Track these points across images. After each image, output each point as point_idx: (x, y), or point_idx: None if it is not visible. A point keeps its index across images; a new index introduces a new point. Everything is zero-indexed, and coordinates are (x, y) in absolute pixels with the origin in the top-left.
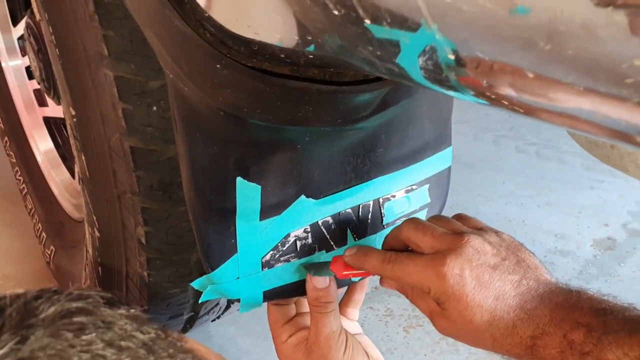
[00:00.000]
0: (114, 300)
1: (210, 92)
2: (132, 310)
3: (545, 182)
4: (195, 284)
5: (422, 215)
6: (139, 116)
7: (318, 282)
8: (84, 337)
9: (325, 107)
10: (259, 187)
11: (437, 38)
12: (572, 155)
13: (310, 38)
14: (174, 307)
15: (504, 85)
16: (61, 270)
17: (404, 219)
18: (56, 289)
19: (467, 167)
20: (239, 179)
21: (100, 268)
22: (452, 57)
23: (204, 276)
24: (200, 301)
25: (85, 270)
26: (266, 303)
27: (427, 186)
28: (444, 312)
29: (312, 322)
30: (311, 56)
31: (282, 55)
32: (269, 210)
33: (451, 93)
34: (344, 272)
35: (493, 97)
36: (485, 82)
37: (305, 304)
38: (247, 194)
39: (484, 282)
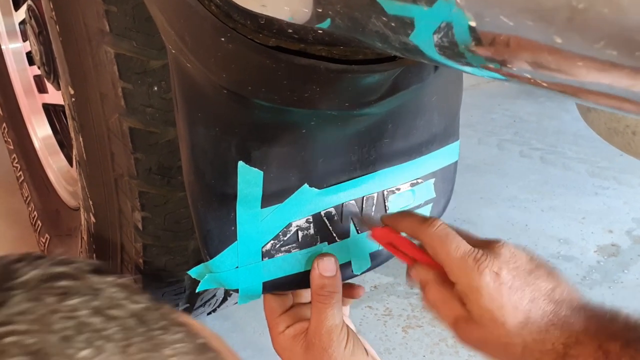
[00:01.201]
0: (103, 268)
1: (213, 68)
2: (123, 279)
3: (549, 187)
4: (193, 272)
5: (427, 211)
6: (139, 96)
7: (325, 269)
8: (68, 302)
9: (333, 88)
10: (261, 172)
11: (454, 12)
12: (577, 161)
13: (323, 12)
14: (169, 298)
15: (520, 60)
16: None
17: None
18: (40, 254)
19: (470, 170)
20: (240, 163)
21: (94, 255)
22: (467, 32)
23: (202, 264)
24: (197, 290)
25: (81, 257)
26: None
27: (432, 180)
28: (471, 316)
29: (313, 313)
30: (321, 32)
31: (291, 31)
32: (270, 197)
33: (467, 69)
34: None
35: (510, 72)
36: (502, 57)
37: (303, 295)
38: (249, 180)
39: (519, 285)
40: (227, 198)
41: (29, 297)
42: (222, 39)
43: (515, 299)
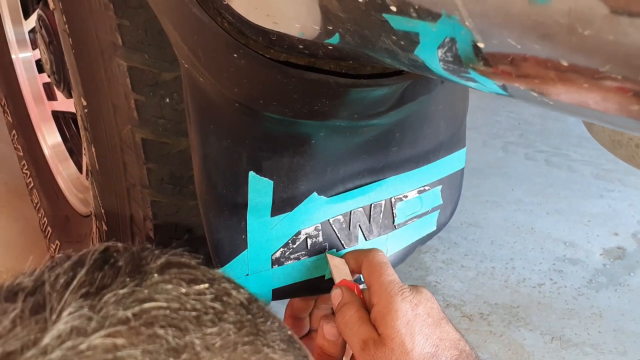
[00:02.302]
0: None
1: (226, 82)
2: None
3: (554, 189)
4: None
5: (434, 218)
6: (151, 108)
7: (328, 333)
8: (195, 287)
9: (342, 101)
10: (272, 182)
11: (457, 29)
12: (582, 163)
13: (332, 28)
14: None
15: (525, 79)
16: None
17: (416, 220)
18: (155, 248)
19: (475, 173)
20: (251, 174)
21: None
22: (471, 48)
23: None
24: None
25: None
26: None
27: (439, 187)
28: (381, 339)
29: None
30: (330, 48)
31: (301, 47)
32: (280, 206)
33: (471, 84)
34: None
35: (514, 90)
36: (506, 75)
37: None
38: (259, 189)
39: (432, 322)
40: (238, 207)
41: (163, 279)
42: (235, 54)
43: (427, 331)
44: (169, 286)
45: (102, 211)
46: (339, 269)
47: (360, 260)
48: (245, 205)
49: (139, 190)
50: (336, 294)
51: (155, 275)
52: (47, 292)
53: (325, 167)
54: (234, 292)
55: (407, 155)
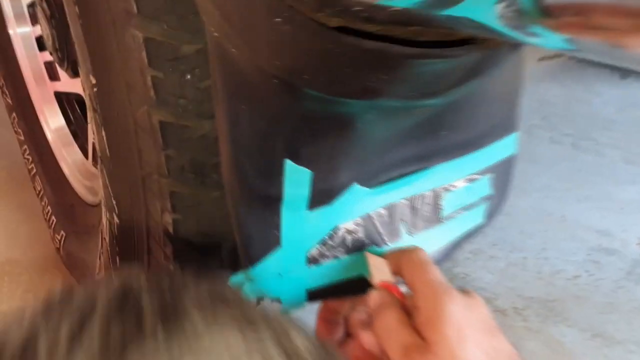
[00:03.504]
0: None
1: (264, 53)
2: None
3: (583, 175)
4: (232, 281)
5: (482, 209)
6: (170, 86)
7: (367, 342)
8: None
9: (402, 76)
10: (310, 172)
11: None
12: (611, 147)
13: None
14: None
15: (593, 27)
16: (72, 257)
17: (463, 212)
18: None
19: None
20: (288, 162)
21: (118, 258)
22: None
23: (242, 273)
24: None
25: (99, 259)
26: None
27: (489, 175)
28: (427, 345)
29: None
30: (393, 10)
31: (358, 9)
32: (318, 199)
33: (533, 41)
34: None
35: (581, 41)
36: (571, 25)
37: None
38: (296, 180)
39: (484, 329)
40: (271, 200)
41: (208, 326)
42: (278, 19)
43: (480, 339)
44: (218, 338)
45: (114, 202)
46: (378, 269)
47: (400, 260)
48: (279, 198)
49: (156, 180)
50: (374, 296)
51: (196, 318)
52: (42, 351)
53: (369, 154)
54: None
55: (458, 139)
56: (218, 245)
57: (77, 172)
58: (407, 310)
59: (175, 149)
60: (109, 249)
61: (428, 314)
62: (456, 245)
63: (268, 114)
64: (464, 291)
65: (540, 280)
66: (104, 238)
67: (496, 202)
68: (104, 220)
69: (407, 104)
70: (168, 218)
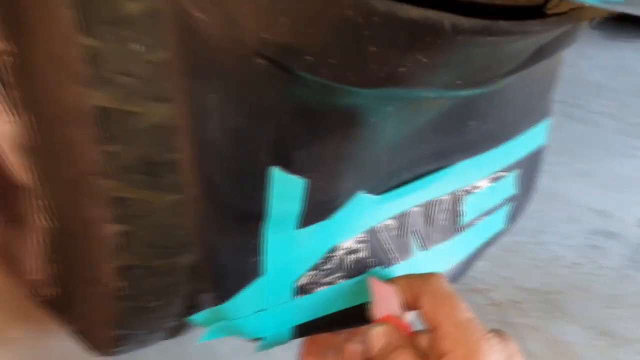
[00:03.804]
0: None
1: (247, 22)
2: None
3: (577, 147)
4: (197, 319)
5: (505, 212)
6: (110, 58)
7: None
8: None
9: (452, 58)
10: (304, 181)
11: None
12: (604, 116)
13: None
14: (155, 322)
15: None
16: (8, 249)
17: (484, 217)
18: None
19: None
20: (275, 170)
21: (55, 266)
22: None
23: (210, 309)
24: (199, 342)
25: (35, 261)
26: None
27: (516, 172)
28: None
29: None
30: None
31: None
32: (313, 214)
33: None
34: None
35: None
36: None
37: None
38: (285, 191)
39: None
40: (250, 219)
41: None
42: None
43: None
44: None
45: (48, 204)
46: (384, 299)
47: (419, 289)
48: (261, 215)
49: (94, 182)
50: (379, 333)
51: None
52: None
53: (380, 155)
54: None
55: (486, 131)
56: (177, 263)
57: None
58: (419, 352)
59: (119, 143)
60: (44, 252)
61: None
62: (474, 258)
63: (248, 105)
64: (499, 334)
65: (538, 268)
66: (39, 240)
67: (521, 202)
68: (38, 220)
69: (443, 95)
70: (113, 229)
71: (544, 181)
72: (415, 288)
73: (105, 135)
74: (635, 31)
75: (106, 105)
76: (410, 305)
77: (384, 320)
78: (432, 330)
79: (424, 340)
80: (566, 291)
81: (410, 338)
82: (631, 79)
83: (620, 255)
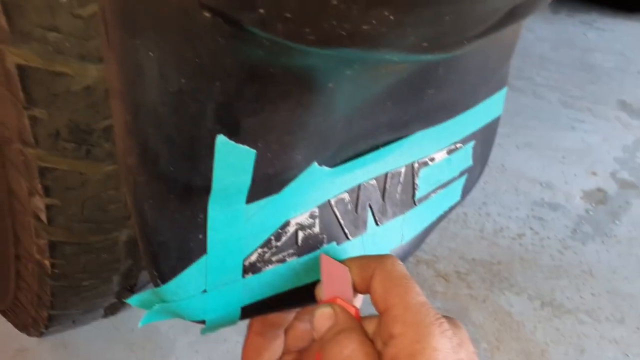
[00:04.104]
0: None
1: None
2: None
3: (522, 119)
4: (134, 301)
5: (460, 185)
6: (32, 11)
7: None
8: None
9: (422, 17)
10: (254, 152)
11: None
12: (548, 89)
13: None
14: (90, 301)
15: None
16: None
17: (440, 190)
18: None
19: None
20: (221, 139)
21: None
22: None
23: (149, 291)
24: (140, 325)
25: None
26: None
27: (472, 143)
28: None
29: None
30: None
31: None
32: (263, 187)
33: None
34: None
35: None
36: None
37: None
38: (233, 163)
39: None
40: (194, 193)
41: None
42: None
43: None
44: None
45: None
46: (334, 279)
47: (370, 270)
48: (206, 189)
49: (18, 151)
50: (324, 314)
51: None
52: None
53: (336, 123)
54: None
55: (444, 100)
56: (115, 240)
57: None
58: (367, 336)
59: (45, 108)
60: None
61: (411, 347)
62: (428, 232)
63: (191, 65)
64: (450, 320)
65: (483, 239)
66: None
67: (475, 174)
68: None
69: (407, 58)
70: (39, 203)
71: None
72: (368, 269)
73: (30, 98)
74: (578, 5)
75: (29, 65)
76: (362, 288)
77: (331, 302)
78: (382, 313)
79: (371, 325)
80: (511, 262)
81: (357, 322)
82: (574, 52)
83: (563, 227)
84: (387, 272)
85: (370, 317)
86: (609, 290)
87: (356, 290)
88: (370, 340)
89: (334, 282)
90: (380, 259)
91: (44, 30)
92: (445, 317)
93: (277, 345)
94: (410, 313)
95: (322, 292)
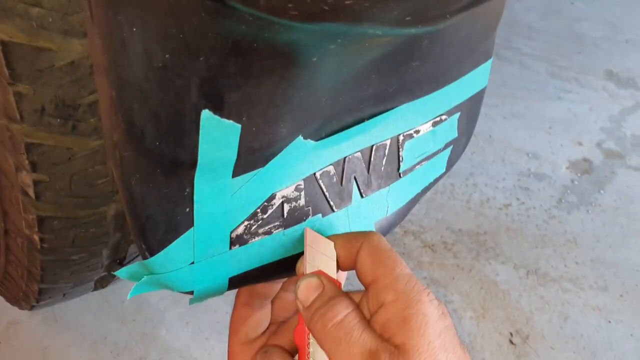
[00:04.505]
0: None
1: None
2: None
3: (509, 89)
4: (123, 274)
5: (445, 157)
6: None
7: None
8: None
9: None
10: (239, 126)
11: None
12: (534, 59)
13: None
14: (80, 275)
15: None
16: None
17: (425, 162)
18: None
19: None
20: (205, 114)
21: None
22: None
23: (137, 263)
24: (129, 296)
25: None
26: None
27: (457, 115)
28: (402, 352)
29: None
30: None
31: None
32: (248, 161)
33: None
34: None
35: None
36: None
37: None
38: (218, 138)
39: (457, 339)
40: (179, 167)
41: None
42: None
43: (460, 354)
44: None
45: None
46: (318, 253)
47: (356, 246)
48: (192, 164)
49: (4, 126)
50: (311, 285)
51: None
52: None
53: (321, 97)
54: None
55: (430, 72)
56: (103, 214)
57: None
58: (355, 305)
59: (30, 83)
60: None
61: (402, 312)
62: (413, 204)
63: (174, 40)
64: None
65: (470, 210)
66: None
67: (460, 146)
68: None
69: (391, 32)
70: (26, 178)
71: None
72: (355, 243)
73: (14, 74)
74: None
75: (13, 40)
76: (346, 263)
77: (316, 274)
78: (369, 284)
79: (356, 299)
80: (497, 232)
81: (344, 292)
82: (562, 22)
83: (549, 196)
84: (374, 246)
85: (353, 292)
86: (592, 258)
87: (339, 267)
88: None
89: (318, 256)
90: (366, 234)
91: (26, 6)
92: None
93: (264, 316)
94: (400, 282)
95: (304, 266)
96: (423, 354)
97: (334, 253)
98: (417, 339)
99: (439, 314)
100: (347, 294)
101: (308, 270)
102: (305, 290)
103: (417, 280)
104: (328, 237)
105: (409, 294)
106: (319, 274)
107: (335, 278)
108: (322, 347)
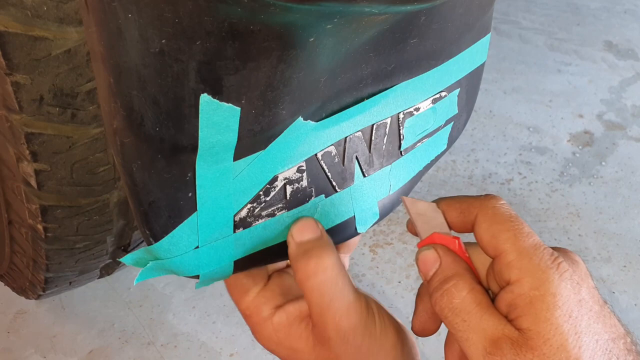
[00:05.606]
0: None
1: None
2: None
3: (509, 64)
4: (128, 260)
5: (446, 133)
6: None
7: (303, 231)
8: None
9: None
10: (238, 109)
11: None
12: (534, 32)
13: None
14: (85, 263)
15: None
16: None
17: (426, 139)
18: None
19: None
20: (204, 98)
21: None
22: None
23: (142, 249)
24: (135, 282)
25: None
26: None
27: (457, 91)
28: (524, 337)
29: (310, 297)
30: None
31: None
32: (249, 144)
33: None
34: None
35: None
36: None
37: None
38: (218, 122)
39: (598, 313)
40: (180, 152)
41: None
42: None
43: (596, 328)
44: None
45: None
46: (425, 217)
47: (472, 215)
48: (193, 148)
49: (3, 117)
50: (428, 258)
51: None
52: None
53: (319, 78)
54: None
55: (428, 48)
56: (106, 201)
57: None
58: (476, 280)
59: (27, 73)
60: None
61: (529, 294)
62: (415, 182)
63: (170, 25)
64: (565, 254)
65: (472, 186)
66: None
67: (461, 122)
68: None
69: (387, 10)
70: (28, 168)
71: (478, 98)
72: (469, 214)
73: (12, 64)
74: None
75: (8, 30)
76: (460, 229)
77: (430, 241)
78: (493, 258)
79: (480, 256)
80: None
81: (462, 263)
82: None
83: (551, 170)
84: (491, 216)
85: (470, 244)
86: (595, 230)
87: (451, 229)
88: (479, 283)
89: (426, 219)
90: (481, 201)
91: None
92: (560, 251)
93: (258, 283)
94: (524, 259)
95: (418, 232)
96: (549, 342)
97: (440, 213)
98: (543, 324)
99: (572, 287)
100: (467, 265)
101: (421, 236)
102: (423, 264)
103: (545, 250)
104: (437, 201)
105: (535, 271)
106: (434, 240)
107: (451, 237)
108: (448, 325)
